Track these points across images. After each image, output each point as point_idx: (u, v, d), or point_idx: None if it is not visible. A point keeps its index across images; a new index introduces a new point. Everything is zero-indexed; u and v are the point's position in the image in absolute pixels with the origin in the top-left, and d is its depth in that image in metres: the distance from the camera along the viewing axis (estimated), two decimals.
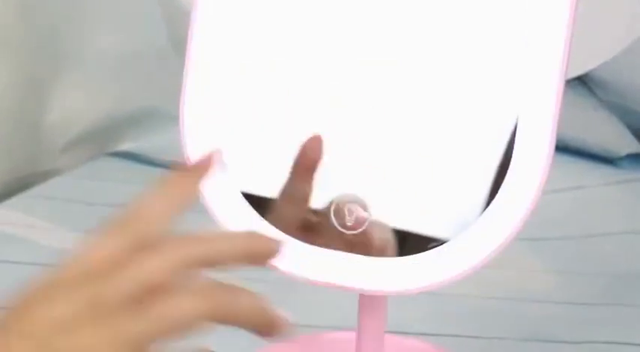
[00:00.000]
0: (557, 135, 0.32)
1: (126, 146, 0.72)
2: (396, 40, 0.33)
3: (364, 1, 0.33)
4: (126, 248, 0.22)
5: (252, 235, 0.25)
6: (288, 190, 0.33)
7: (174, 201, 0.24)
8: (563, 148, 0.67)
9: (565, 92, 0.32)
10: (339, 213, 0.33)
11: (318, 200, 0.33)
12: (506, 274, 0.56)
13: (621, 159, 0.71)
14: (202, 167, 0.27)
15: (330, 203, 0.33)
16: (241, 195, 0.34)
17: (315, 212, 0.33)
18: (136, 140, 0.72)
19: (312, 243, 0.33)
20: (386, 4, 0.33)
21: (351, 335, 0.36)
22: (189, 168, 0.29)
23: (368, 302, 0.34)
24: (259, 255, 0.24)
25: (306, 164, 0.33)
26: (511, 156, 0.31)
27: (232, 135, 0.34)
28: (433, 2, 0.33)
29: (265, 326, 0.23)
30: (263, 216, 0.33)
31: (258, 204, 0.34)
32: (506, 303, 0.54)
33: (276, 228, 0.33)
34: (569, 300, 0.54)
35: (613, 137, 0.73)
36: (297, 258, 0.32)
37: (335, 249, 0.32)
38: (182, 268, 0.22)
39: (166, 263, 0.21)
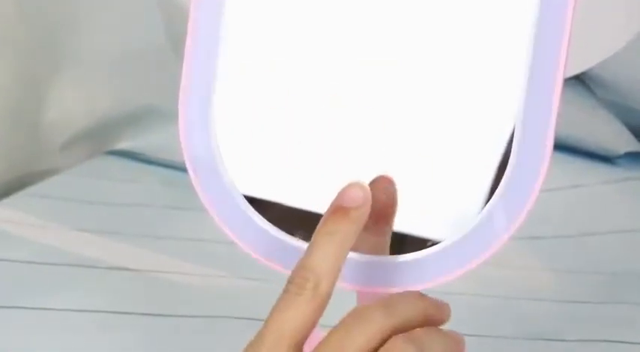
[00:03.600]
0: (556, 133, 0.32)
1: (124, 145, 0.72)
2: (396, 40, 0.33)
3: (364, 2, 0.33)
4: None
5: (427, 301, 0.27)
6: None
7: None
8: (561, 147, 0.67)
9: (563, 91, 0.32)
10: None
11: (317, 200, 0.33)
12: (504, 273, 0.56)
13: (619, 157, 0.71)
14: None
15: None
16: (242, 195, 0.34)
17: (315, 213, 0.33)
18: (134, 139, 0.72)
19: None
20: (386, 5, 0.33)
21: None
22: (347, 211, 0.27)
23: (366, 302, 0.34)
24: (436, 321, 0.27)
25: (381, 213, 0.29)
26: (509, 155, 0.31)
27: (231, 135, 0.34)
28: (432, 2, 0.33)
29: None
30: (264, 216, 0.33)
31: (259, 204, 0.34)
32: (504, 301, 0.54)
33: (278, 228, 0.33)
34: (568, 298, 0.54)
35: (611, 135, 0.73)
36: (298, 258, 0.32)
37: None
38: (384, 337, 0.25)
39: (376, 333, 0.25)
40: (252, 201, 0.33)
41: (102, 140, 0.72)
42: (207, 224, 0.35)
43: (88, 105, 0.71)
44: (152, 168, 0.70)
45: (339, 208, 0.27)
